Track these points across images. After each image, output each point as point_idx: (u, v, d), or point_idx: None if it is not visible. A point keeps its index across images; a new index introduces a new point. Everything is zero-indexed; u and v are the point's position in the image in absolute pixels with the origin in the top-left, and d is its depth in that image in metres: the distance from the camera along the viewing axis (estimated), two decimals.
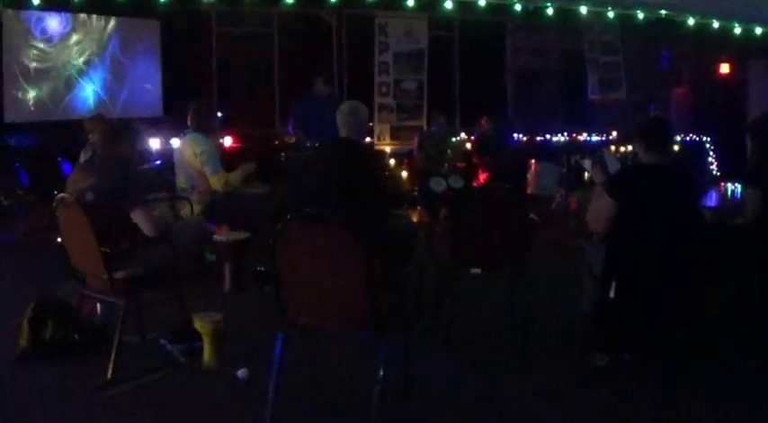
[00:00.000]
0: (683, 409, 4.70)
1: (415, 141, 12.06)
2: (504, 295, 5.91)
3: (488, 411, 4.72)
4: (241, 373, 4.97)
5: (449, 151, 12.03)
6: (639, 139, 5.33)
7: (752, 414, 4.70)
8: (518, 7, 12.47)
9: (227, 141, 10.80)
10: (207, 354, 5.15)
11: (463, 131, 13.41)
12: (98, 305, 5.74)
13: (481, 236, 5.93)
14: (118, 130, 5.93)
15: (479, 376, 5.21)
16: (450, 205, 7.70)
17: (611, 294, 5.07)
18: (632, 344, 5.30)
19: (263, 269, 6.81)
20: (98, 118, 8.19)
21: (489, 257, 5.95)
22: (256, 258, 7.00)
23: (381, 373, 4.16)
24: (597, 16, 13.20)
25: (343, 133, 6.02)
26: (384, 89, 12.79)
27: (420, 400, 4.78)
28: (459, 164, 12.00)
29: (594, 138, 14.74)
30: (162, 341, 5.44)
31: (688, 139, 15.35)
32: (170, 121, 10.08)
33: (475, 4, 12.27)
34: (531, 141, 14.21)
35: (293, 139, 10.52)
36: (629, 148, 13.35)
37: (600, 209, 5.28)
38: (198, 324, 5.15)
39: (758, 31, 13.58)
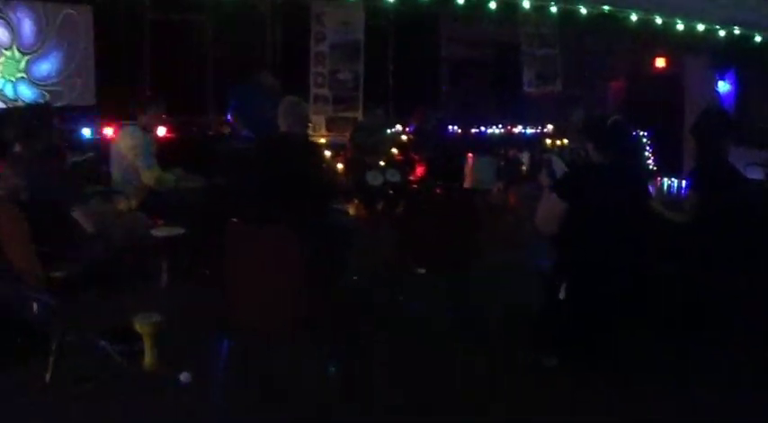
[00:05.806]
0: (635, 409, 4.75)
1: (348, 133, 11.99)
2: (448, 293, 5.91)
3: (435, 412, 4.69)
4: (184, 376, 4.85)
5: (383, 143, 11.95)
6: (592, 140, 5.36)
7: (705, 411, 4.75)
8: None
9: (161, 131, 10.59)
10: (147, 356, 5.01)
11: (399, 123, 13.33)
12: (34, 305, 5.53)
13: (429, 235, 5.90)
14: (33, 125, 5.68)
15: (425, 378, 5.16)
16: (392, 201, 7.68)
17: (561, 295, 5.08)
18: (583, 345, 5.29)
19: (207, 272, 6.64)
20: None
21: (436, 257, 5.93)
22: (192, 256, 6.86)
23: (332, 370, 4.16)
24: (537, 10, 13.21)
25: (283, 128, 5.94)
26: (320, 80, 12.60)
27: (364, 400, 4.69)
28: (396, 157, 11.93)
29: (530, 130, 14.80)
30: (101, 343, 5.22)
31: None
32: (103, 110, 9.82)
33: None
34: (466, 134, 14.17)
35: (228, 129, 10.40)
36: (565, 141, 13.50)
37: (549, 211, 5.30)
38: (138, 325, 5.00)
39: (700, 27, 13.70)
